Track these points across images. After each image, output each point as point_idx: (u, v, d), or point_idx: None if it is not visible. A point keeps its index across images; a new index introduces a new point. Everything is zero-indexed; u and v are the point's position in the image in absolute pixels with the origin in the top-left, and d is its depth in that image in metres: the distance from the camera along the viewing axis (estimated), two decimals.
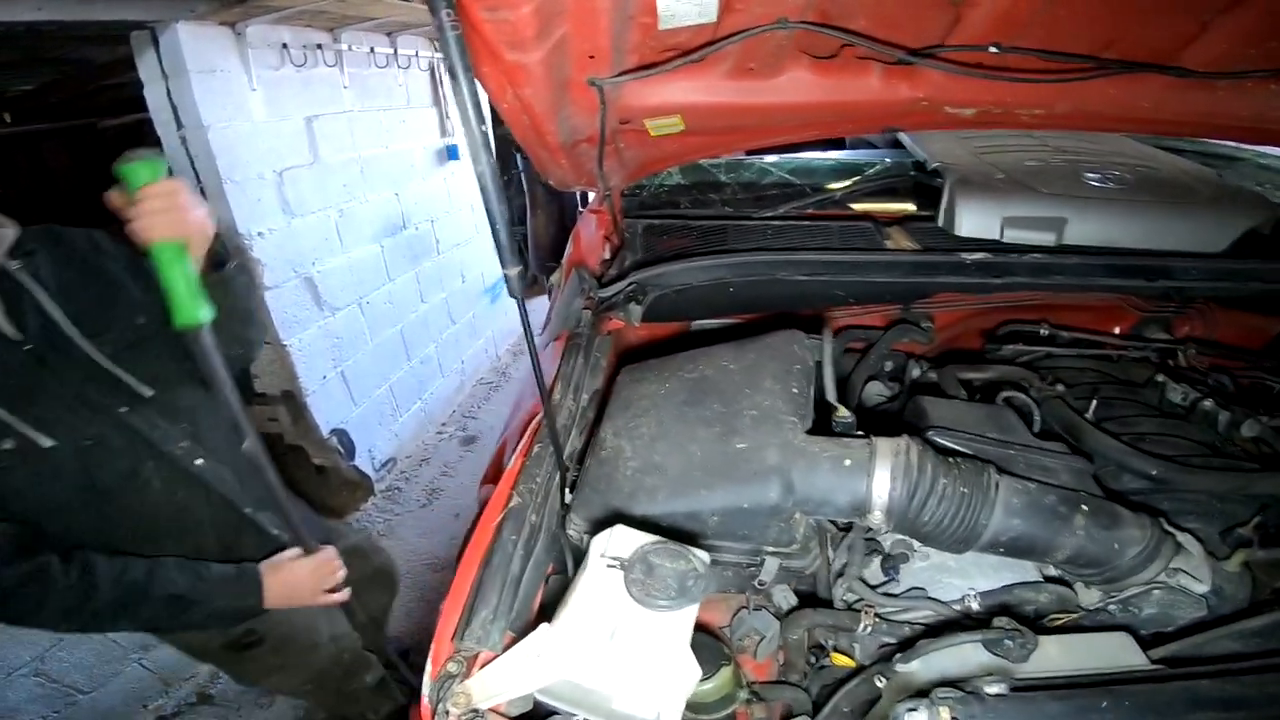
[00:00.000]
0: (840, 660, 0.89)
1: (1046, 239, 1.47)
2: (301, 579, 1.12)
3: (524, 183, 4.06)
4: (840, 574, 0.92)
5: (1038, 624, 0.84)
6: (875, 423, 1.05)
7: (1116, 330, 1.46)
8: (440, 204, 3.75)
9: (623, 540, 0.76)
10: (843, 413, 1.03)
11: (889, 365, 1.34)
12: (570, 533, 0.93)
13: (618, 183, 1.50)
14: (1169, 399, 1.19)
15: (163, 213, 0.88)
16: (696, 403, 1.03)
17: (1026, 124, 1.25)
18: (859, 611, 0.87)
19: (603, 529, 0.92)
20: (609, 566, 0.71)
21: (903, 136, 1.89)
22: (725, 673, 0.88)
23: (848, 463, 0.85)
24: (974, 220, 1.45)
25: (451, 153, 3.77)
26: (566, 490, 0.97)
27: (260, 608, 1.11)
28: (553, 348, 1.33)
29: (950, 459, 0.86)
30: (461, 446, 3.66)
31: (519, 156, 3.47)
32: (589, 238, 1.66)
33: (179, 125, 2.24)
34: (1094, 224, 1.48)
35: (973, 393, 1.22)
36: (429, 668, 0.71)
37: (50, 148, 4.35)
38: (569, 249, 1.70)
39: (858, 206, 1.85)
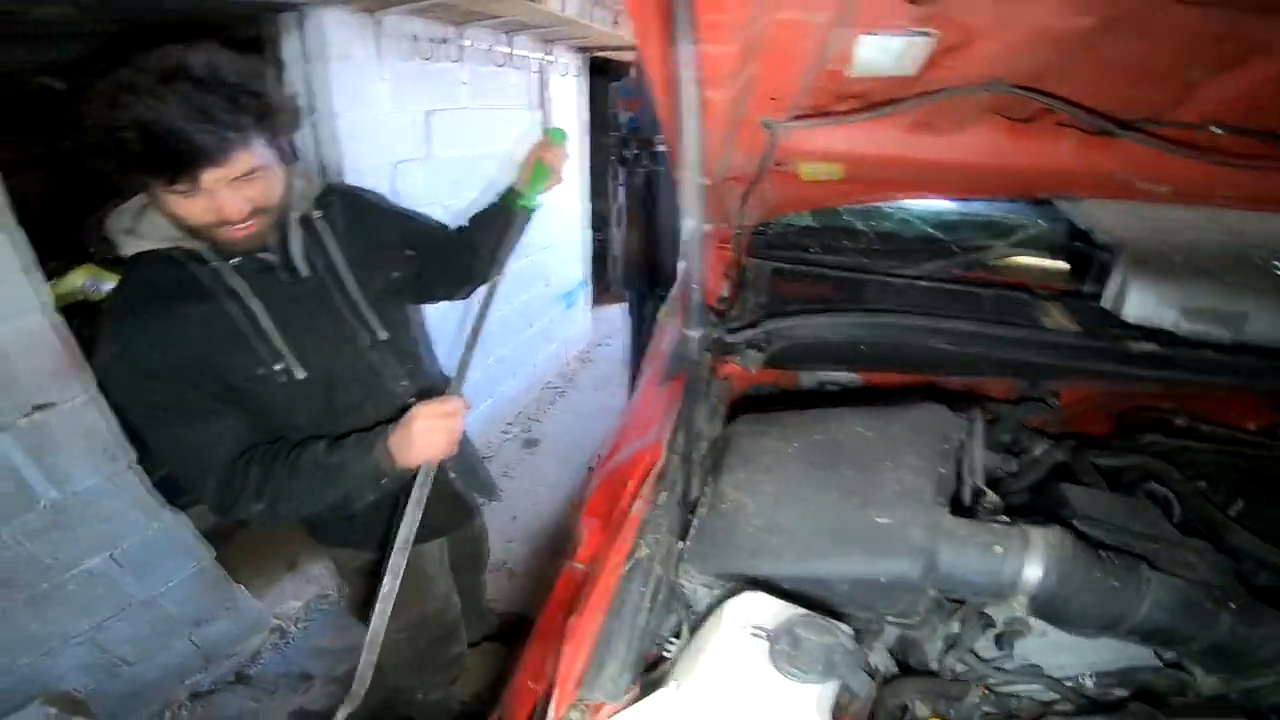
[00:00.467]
0: None
1: (1222, 334, 1.38)
2: (414, 418, 1.17)
3: (620, 196, 4.12)
4: (952, 644, 0.94)
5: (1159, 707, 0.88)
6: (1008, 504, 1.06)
7: (1252, 425, 1.43)
8: None
9: (760, 607, 0.77)
10: (991, 498, 1.04)
11: (1006, 437, 1.35)
12: (683, 583, 0.93)
13: (751, 221, 1.51)
14: None
15: (554, 155, 1.54)
16: (828, 466, 1.03)
17: (1221, 204, 1.20)
18: (966, 682, 0.90)
19: (718, 583, 0.93)
20: (753, 634, 0.71)
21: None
22: None
23: (998, 549, 0.87)
24: (1147, 306, 1.37)
25: None
26: (682, 540, 0.97)
27: (385, 461, 1.18)
28: (666, 386, 1.34)
29: (1101, 552, 0.89)
30: (524, 449, 3.75)
31: (622, 170, 3.55)
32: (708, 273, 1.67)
33: (310, 110, 2.34)
34: (1278, 320, 1.38)
35: (1105, 478, 1.23)
36: (550, 711, 0.72)
37: None
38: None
39: (1007, 266, 1.79)
